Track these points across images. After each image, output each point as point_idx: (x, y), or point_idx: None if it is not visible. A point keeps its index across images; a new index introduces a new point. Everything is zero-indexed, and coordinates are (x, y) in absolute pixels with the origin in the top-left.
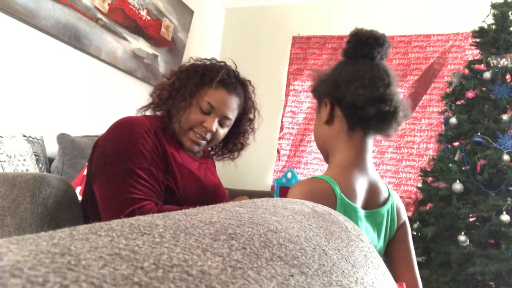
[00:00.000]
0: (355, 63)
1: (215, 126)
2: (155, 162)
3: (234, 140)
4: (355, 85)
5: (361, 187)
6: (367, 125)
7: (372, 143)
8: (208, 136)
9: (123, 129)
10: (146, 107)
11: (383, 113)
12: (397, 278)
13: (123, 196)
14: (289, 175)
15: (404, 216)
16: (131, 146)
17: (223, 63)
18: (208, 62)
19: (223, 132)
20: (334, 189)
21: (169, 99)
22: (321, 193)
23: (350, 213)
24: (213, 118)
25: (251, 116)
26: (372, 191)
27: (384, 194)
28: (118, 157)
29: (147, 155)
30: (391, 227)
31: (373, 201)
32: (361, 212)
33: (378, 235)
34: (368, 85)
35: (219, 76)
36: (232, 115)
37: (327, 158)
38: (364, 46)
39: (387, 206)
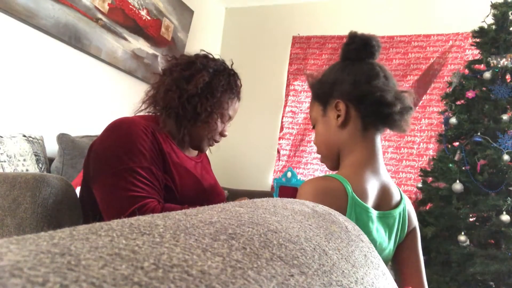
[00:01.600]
0: (363, 64)
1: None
2: (154, 161)
3: None
4: (378, 82)
5: (373, 187)
6: (384, 121)
7: (380, 141)
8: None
9: (120, 129)
10: (164, 111)
11: (404, 109)
12: (403, 282)
13: (125, 194)
14: (289, 174)
15: (415, 221)
16: (130, 145)
17: (221, 60)
18: (215, 66)
19: None
20: (346, 188)
21: (196, 106)
22: (333, 191)
23: (361, 212)
24: (228, 124)
25: None
26: (384, 192)
27: (396, 197)
28: (118, 157)
29: (147, 154)
30: (401, 231)
31: (385, 202)
32: (373, 213)
33: (389, 238)
34: (386, 82)
35: (240, 88)
36: None
37: (335, 164)
38: (367, 48)
39: (399, 209)
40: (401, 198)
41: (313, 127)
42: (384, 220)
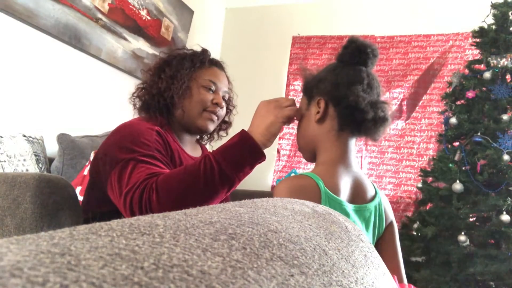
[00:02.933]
0: (352, 68)
1: (222, 101)
2: (162, 153)
3: (224, 119)
4: (357, 88)
5: (346, 182)
6: (358, 127)
7: (354, 144)
8: (220, 112)
9: (125, 129)
10: (144, 106)
11: (378, 119)
12: None
13: (138, 173)
14: (293, 176)
15: (391, 216)
16: (137, 139)
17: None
18: (182, 51)
19: (225, 109)
20: (318, 184)
21: (166, 89)
22: (306, 188)
23: (335, 206)
24: (218, 94)
25: (232, 94)
26: (358, 187)
27: (370, 191)
28: (127, 148)
29: (152, 146)
30: (379, 225)
31: (359, 196)
32: (348, 206)
33: (367, 230)
34: (367, 90)
35: (208, 57)
36: (228, 91)
37: (310, 156)
38: (362, 55)
39: (375, 203)
40: (376, 192)
41: (298, 119)
42: (360, 213)
